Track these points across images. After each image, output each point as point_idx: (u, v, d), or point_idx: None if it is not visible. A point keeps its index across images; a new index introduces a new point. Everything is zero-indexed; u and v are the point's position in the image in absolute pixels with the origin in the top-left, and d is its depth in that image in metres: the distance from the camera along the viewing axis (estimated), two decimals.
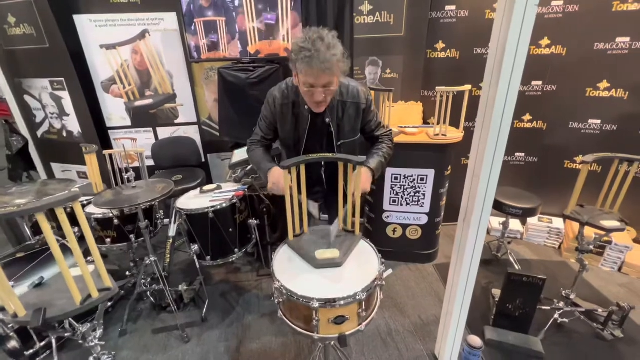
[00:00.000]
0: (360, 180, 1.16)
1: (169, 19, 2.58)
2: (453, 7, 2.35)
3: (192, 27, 2.31)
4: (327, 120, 1.35)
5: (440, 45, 2.47)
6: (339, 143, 1.40)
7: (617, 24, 2.17)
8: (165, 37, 2.62)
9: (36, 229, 2.07)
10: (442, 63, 2.51)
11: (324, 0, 2.36)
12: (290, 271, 1.07)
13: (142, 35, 2.60)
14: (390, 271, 1.21)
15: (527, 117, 2.58)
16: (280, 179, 1.25)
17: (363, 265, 1.09)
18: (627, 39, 2.18)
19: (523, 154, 2.69)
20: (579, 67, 2.34)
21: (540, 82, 2.47)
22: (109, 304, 2.06)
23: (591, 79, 2.35)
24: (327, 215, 1.64)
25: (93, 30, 2.53)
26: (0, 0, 2.38)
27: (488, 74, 1.13)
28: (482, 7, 2.32)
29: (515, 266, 2.34)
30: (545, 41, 2.36)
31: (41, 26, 2.38)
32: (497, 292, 1.91)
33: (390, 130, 1.50)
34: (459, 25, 2.39)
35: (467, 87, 2.06)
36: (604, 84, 2.32)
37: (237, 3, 2.21)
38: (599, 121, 2.40)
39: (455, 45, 2.45)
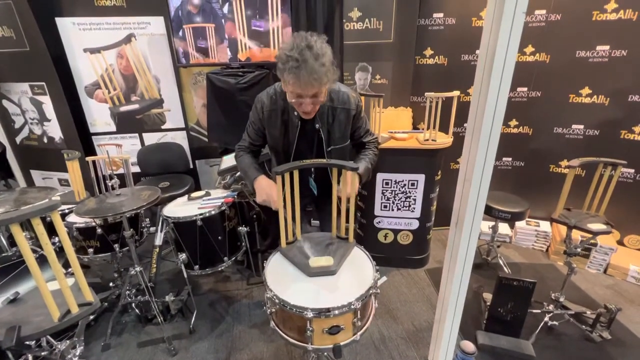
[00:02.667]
0: (355, 186, 1.15)
1: (156, 23, 2.53)
2: (441, 15, 2.39)
3: (181, 33, 2.27)
4: (317, 125, 1.33)
5: (429, 51, 2.50)
6: (329, 149, 1.38)
7: (597, 32, 2.25)
8: (152, 41, 2.57)
9: (13, 239, 1.97)
10: (430, 69, 2.54)
11: (314, 7, 2.36)
12: (283, 280, 1.04)
13: (128, 39, 2.54)
14: (384, 279, 1.19)
15: (514, 122, 2.64)
16: (272, 191, 1.22)
17: (357, 272, 1.07)
18: (607, 47, 2.26)
19: (510, 159, 2.74)
20: (562, 74, 2.41)
21: (525, 89, 2.53)
22: (91, 317, 1.97)
23: (574, 85, 2.42)
24: (318, 222, 1.61)
25: (76, 33, 2.46)
26: None
27: (478, 81, 1.14)
28: (468, 15, 2.37)
29: (506, 269, 2.36)
30: (529, 49, 2.43)
31: (21, 29, 2.30)
32: (488, 296, 1.92)
33: (376, 137, 1.50)
34: (447, 32, 2.43)
35: (456, 93, 2.09)
36: (586, 91, 2.39)
37: (225, 10, 2.19)
38: (582, 126, 2.47)
39: (443, 52, 2.49)
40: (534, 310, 1.89)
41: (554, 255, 2.52)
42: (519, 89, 2.54)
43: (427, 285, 2.28)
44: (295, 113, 1.30)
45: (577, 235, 2.12)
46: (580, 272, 2.37)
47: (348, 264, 1.11)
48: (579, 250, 1.77)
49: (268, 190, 1.26)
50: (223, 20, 2.22)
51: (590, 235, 1.69)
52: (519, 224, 2.70)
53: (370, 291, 1.00)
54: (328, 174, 1.32)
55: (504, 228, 2.79)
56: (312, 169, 1.44)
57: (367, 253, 1.16)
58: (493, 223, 2.38)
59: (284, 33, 2.26)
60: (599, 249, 2.33)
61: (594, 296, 2.14)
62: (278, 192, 1.06)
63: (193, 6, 2.19)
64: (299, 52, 1.05)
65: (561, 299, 1.87)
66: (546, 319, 1.85)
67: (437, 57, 2.51)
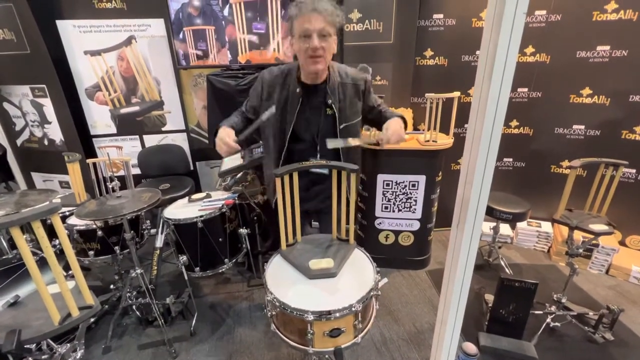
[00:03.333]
0: (355, 185, 1.15)
1: (156, 26, 2.54)
2: (440, 16, 2.39)
3: (181, 35, 2.27)
4: (330, 101, 1.29)
5: (429, 52, 2.50)
6: (342, 126, 1.32)
7: (598, 33, 2.25)
8: (152, 43, 2.58)
9: (14, 242, 1.97)
10: (430, 70, 2.54)
11: None
12: (283, 282, 1.03)
13: (128, 41, 2.54)
14: (385, 280, 1.18)
15: (514, 123, 2.63)
16: (225, 138, 1.20)
17: (358, 274, 1.06)
18: (607, 48, 2.26)
19: (511, 159, 2.74)
20: (562, 74, 2.40)
21: (526, 89, 2.52)
22: (92, 320, 1.97)
23: (574, 86, 2.41)
24: (317, 223, 1.57)
25: (77, 36, 2.47)
26: None
27: (478, 82, 1.13)
28: (468, 16, 2.37)
29: (507, 270, 2.35)
30: (530, 49, 2.42)
31: (22, 32, 2.30)
32: (490, 298, 1.91)
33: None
34: (447, 33, 2.43)
35: (456, 93, 2.08)
36: (587, 91, 2.39)
37: (226, 12, 2.19)
38: (582, 127, 2.46)
39: (444, 53, 2.49)
40: (536, 312, 1.88)
41: (555, 256, 2.51)
42: (519, 90, 2.53)
43: (429, 286, 2.27)
44: (298, 90, 1.27)
45: (578, 236, 2.11)
46: (582, 272, 2.37)
47: (349, 266, 1.10)
48: (580, 251, 1.77)
49: (221, 136, 1.21)
50: (223, 23, 2.23)
51: (592, 236, 1.69)
52: (521, 224, 2.69)
53: (371, 293, 0.99)
54: (338, 151, 1.33)
55: (505, 229, 2.79)
56: (318, 147, 1.34)
57: (368, 255, 1.16)
58: (494, 224, 2.38)
59: (285, 36, 2.26)
60: (601, 250, 2.32)
61: (596, 297, 2.13)
62: (278, 194, 1.06)
63: (193, 8, 2.19)
64: None
65: (563, 300, 1.86)
66: (548, 320, 1.84)
67: (437, 58, 2.51)
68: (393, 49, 2.48)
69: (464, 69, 2.48)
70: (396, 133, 1.24)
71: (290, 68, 1.32)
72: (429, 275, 2.38)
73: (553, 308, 1.88)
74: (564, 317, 1.87)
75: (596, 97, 2.37)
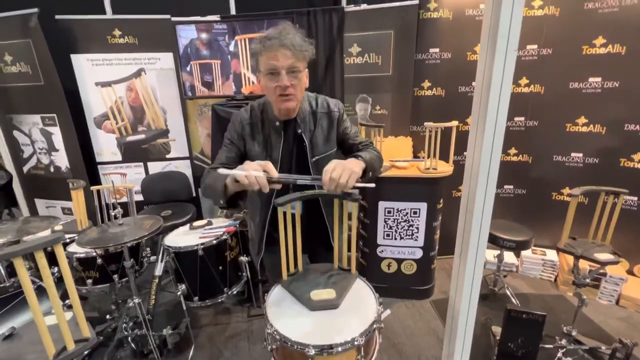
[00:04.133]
0: (356, 217, 1.13)
1: (165, 59, 2.66)
2: (436, 50, 2.50)
3: (188, 68, 2.38)
4: (299, 131, 1.18)
5: (427, 83, 2.59)
6: (314, 159, 1.21)
7: (588, 65, 2.34)
8: (161, 75, 2.69)
9: (12, 269, 1.95)
10: (428, 100, 2.62)
11: (315, 43, 2.49)
12: (284, 314, 1.01)
13: (138, 73, 2.66)
14: (388, 312, 1.15)
15: (513, 150, 2.67)
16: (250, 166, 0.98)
17: (360, 306, 1.04)
18: (599, 79, 2.34)
19: (512, 186, 2.75)
20: (557, 104, 2.47)
21: (522, 118, 2.59)
22: (85, 352, 1.90)
23: (569, 115, 2.47)
24: (307, 254, 1.39)
25: (90, 68, 2.59)
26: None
27: (475, 114, 1.17)
28: (463, 50, 2.48)
29: (513, 300, 2.29)
30: (524, 80, 2.51)
31: (37, 65, 2.42)
32: (497, 330, 1.85)
33: (371, 140, 1.33)
34: (443, 66, 2.53)
35: (454, 123, 2.14)
36: (582, 120, 2.45)
37: (232, 48, 2.31)
38: (580, 154, 2.50)
39: (441, 84, 2.58)
40: (546, 345, 1.81)
41: (562, 286, 2.45)
42: (516, 119, 2.59)
43: (434, 317, 2.20)
44: (277, 123, 1.17)
45: (585, 264, 2.07)
46: (592, 303, 2.29)
47: (350, 297, 1.08)
48: (588, 280, 1.73)
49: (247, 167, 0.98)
50: (229, 57, 2.34)
51: (598, 265, 1.66)
52: (525, 253, 2.65)
53: (374, 326, 0.97)
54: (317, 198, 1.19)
55: (510, 257, 2.74)
56: (291, 186, 1.19)
57: (370, 285, 1.14)
58: (498, 252, 2.34)
59: None
60: (609, 279, 2.27)
61: (608, 329, 2.05)
62: (280, 224, 1.06)
63: (202, 43, 2.31)
64: (267, 34, 1.05)
65: (573, 333, 1.79)
66: (559, 354, 1.76)
67: (435, 89, 2.60)
68: (392, 81, 2.58)
69: (461, 99, 2.56)
70: (350, 169, 1.00)
71: (265, 101, 1.22)
72: (433, 306, 2.31)
73: (564, 341, 1.81)
74: (575, 351, 1.79)
75: (592, 125, 2.43)
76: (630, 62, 2.22)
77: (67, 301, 1.05)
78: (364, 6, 2.51)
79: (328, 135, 1.24)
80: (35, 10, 2.26)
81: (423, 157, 2.32)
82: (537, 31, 2.39)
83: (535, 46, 2.43)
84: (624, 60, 2.24)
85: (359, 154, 1.15)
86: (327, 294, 1.05)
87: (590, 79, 2.36)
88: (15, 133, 2.73)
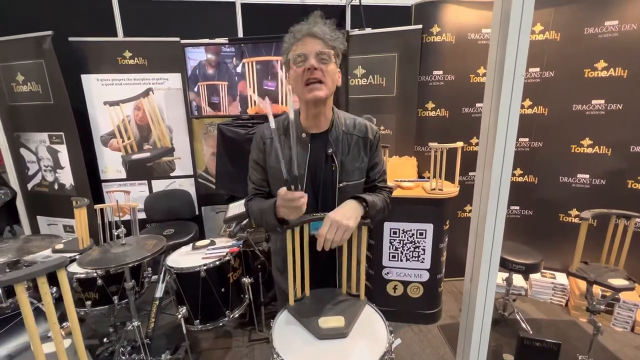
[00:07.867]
0: (365, 242, 1.09)
1: (173, 79, 2.71)
2: (440, 72, 2.54)
3: (196, 89, 2.42)
4: (330, 150, 1.07)
5: (431, 105, 2.62)
6: (341, 185, 1.09)
7: (591, 88, 2.36)
8: (168, 95, 2.74)
9: (10, 290, 1.91)
10: (433, 121, 2.64)
11: None
12: (291, 343, 0.97)
13: (146, 93, 2.71)
14: (399, 341, 1.10)
15: (518, 171, 2.66)
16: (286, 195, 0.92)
17: (370, 335, 1.00)
18: (602, 101, 2.36)
19: (518, 207, 2.72)
20: (561, 125, 2.48)
21: (527, 139, 2.59)
22: None
23: (574, 136, 2.48)
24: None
25: (99, 88, 2.64)
26: (13, 60, 2.50)
27: (483, 137, 1.17)
28: (466, 73, 2.52)
29: (524, 326, 2.21)
30: (527, 102, 2.53)
31: (48, 84, 2.47)
32: (509, 358, 1.77)
33: (391, 189, 1.25)
34: (447, 87, 2.56)
35: (459, 144, 2.14)
36: (587, 141, 2.44)
37: (239, 70, 2.36)
38: (587, 176, 2.48)
39: (444, 105, 2.60)
40: None
41: (574, 311, 2.37)
42: (520, 140, 2.60)
43: (442, 343, 2.12)
44: (304, 135, 1.07)
45: (597, 289, 2.01)
46: (606, 330, 2.21)
47: (360, 325, 1.04)
48: (602, 307, 1.67)
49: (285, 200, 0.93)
50: (236, 78, 2.38)
51: (612, 292, 1.61)
52: (534, 276, 2.58)
53: (385, 357, 0.93)
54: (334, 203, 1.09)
55: (518, 280, 2.67)
56: (319, 204, 1.12)
57: (380, 312, 1.10)
58: (507, 275, 2.28)
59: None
60: (623, 305, 2.20)
61: (624, 358, 1.96)
62: (288, 247, 1.04)
63: (210, 65, 2.36)
64: (298, 26, 1.03)
65: None
66: None
67: (438, 110, 2.62)
68: (396, 102, 2.61)
69: (465, 120, 2.58)
70: (347, 217, 0.96)
71: (286, 117, 1.12)
72: (441, 331, 2.23)
73: None
74: None
75: (597, 147, 2.42)
76: (632, 85, 2.24)
77: (64, 324, 1.02)
78: (368, 30, 2.58)
79: (361, 162, 1.12)
80: (50, 32, 2.33)
81: (428, 177, 2.31)
82: (539, 55, 2.43)
83: (538, 69, 2.47)
84: (626, 83, 2.26)
85: (368, 197, 1.06)
86: (335, 321, 1.01)
87: (594, 101, 2.37)
88: (22, 151, 2.75)
